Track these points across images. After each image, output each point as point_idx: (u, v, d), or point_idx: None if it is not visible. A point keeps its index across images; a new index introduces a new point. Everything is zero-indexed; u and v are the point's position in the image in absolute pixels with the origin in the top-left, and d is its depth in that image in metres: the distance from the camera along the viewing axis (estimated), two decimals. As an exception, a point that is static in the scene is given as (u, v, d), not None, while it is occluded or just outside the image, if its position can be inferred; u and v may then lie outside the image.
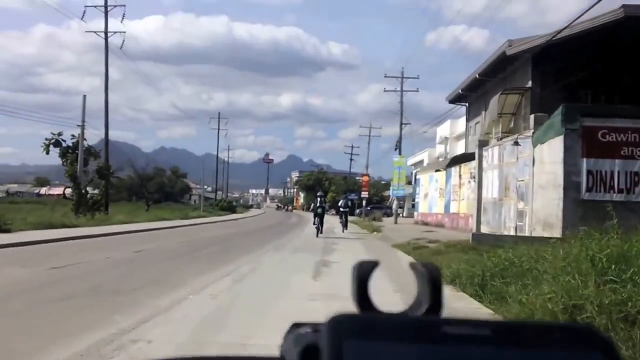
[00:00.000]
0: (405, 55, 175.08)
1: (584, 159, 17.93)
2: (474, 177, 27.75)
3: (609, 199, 18.05)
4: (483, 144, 28.03)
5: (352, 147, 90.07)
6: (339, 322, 0.47)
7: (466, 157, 31.28)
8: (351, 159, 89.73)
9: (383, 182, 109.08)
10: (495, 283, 7.89)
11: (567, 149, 17.96)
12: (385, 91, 42.16)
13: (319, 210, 26.01)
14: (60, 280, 8.79)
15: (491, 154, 26.35)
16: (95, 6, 33.45)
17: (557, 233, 18.06)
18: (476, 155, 27.88)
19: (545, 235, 18.36)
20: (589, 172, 18.14)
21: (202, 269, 10.68)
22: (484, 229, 25.73)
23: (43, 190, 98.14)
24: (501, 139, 27.23)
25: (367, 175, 64.63)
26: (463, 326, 0.49)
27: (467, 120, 42.14)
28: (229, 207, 71.11)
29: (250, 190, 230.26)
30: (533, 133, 20.63)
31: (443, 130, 59.38)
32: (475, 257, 10.72)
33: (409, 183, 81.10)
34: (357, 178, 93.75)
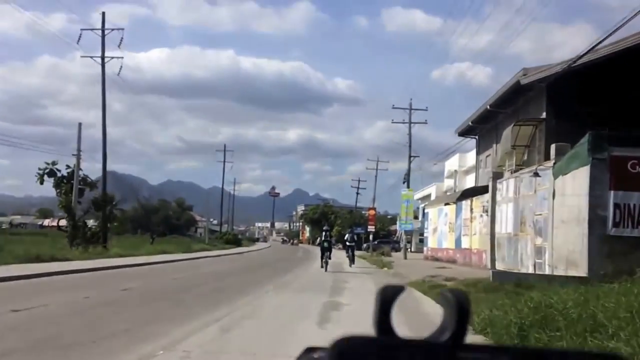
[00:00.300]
0: (409, 92, 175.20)
1: (612, 192, 16.47)
2: (487, 211, 26.28)
3: (637, 235, 16.62)
4: (497, 176, 26.63)
5: (359, 180, 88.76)
6: (344, 345, 0.44)
7: (478, 191, 29.86)
8: (357, 193, 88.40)
9: (389, 217, 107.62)
10: (541, 336, 6.39)
11: (594, 180, 16.50)
12: (393, 122, 40.97)
13: (325, 244, 26.21)
14: (9, 329, 7.35)
15: (505, 187, 24.92)
16: (92, 29, 32.43)
17: (582, 272, 16.52)
18: (489, 188, 26.45)
19: (571, 274, 16.84)
20: (616, 206, 16.65)
21: (188, 314, 9.26)
22: (499, 266, 24.17)
23: (46, 222, 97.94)
24: (515, 171, 25.86)
25: (374, 209, 63.08)
26: (480, 352, 0.45)
27: (478, 153, 40.83)
28: (234, 241, 69.59)
29: (256, 224, 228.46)
30: (554, 164, 19.22)
31: (451, 164, 58.14)
32: (504, 301, 9.21)
33: (416, 217, 79.61)
34: (363, 212, 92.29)
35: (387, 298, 0.59)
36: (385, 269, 27.65)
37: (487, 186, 28.11)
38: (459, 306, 0.54)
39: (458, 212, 31.36)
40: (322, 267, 25.02)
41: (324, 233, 27.24)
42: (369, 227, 61.84)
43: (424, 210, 41.23)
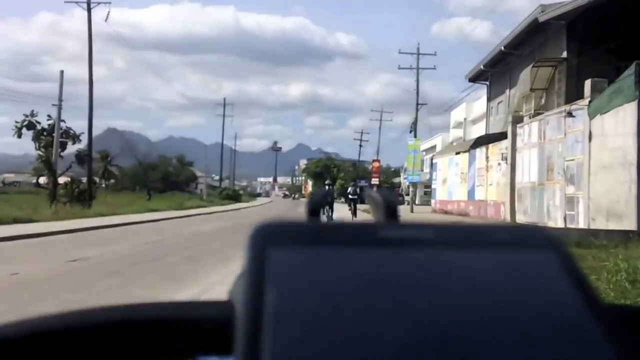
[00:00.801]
0: (411, 45, 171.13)
1: (665, 130, 13.89)
2: (506, 159, 23.65)
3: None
4: (517, 120, 23.92)
5: (362, 132, 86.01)
6: (262, 229, 0.42)
7: (494, 138, 27.16)
8: (360, 145, 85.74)
9: (392, 169, 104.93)
10: None
11: (645, 117, 13.88)
12: (400, 68, 38.12)
13: (329, 198, 24.41)
14: None
15: (527, 131, 22.23)
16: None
17: (628, 224, 13.98)
18: (509, 133, 23.78)
19: (613, 227, 14.29)
20: (670, 147, 14.08)
21: (140, 296, 6.74)
22: (520, 219, 21.68)
23: (42, 180, 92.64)
24: (534, 115, 23.17)
25: (378, 160, 60.49)
26: (405, 229, 0.43)
27: (489, 99, 38.04)
28: (233, 196, 67.22)
29: (258, 179, 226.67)
30: (589, 102, 16.48)
31: (458, 114, 55.27)
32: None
33: (421, 170, 77.14)
34: (366, 165, 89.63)
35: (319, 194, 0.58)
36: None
37: (503, 133, 25.48)
38: (387, 204, 0.49)
39: (471, 161, 28.74)
40: (323, 214, 23.09)
41: (326, 187, 26.65)
42: (372, 179, 59.32)
43: (431, 160, 38.67)
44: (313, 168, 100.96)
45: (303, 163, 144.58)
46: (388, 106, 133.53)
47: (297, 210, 49.60)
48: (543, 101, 25.23)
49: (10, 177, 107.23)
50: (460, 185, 30.42)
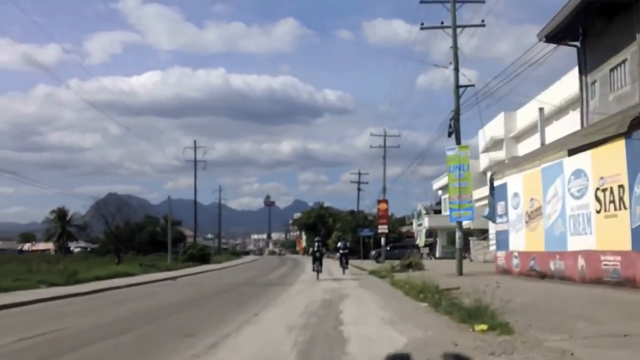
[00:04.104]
0: (396, 97, 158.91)
1: None
2: None
3: None
4: None
5: (359, 173, 68.94)
6: None
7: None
8: (359, 189, 68.43)
9: (397, 217, 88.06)
10: None
11: None
12: (422, 28, 21.34)
13: (317, 254, 25.07)
14: None
15: None
16: None
17: None
18: None
19: None
20: None
21: None
22: None
23: (26, 247, 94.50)
24: None
25: (385, 201, 43.15)
26: None
27: (582, 72, 21.27)
28: (199, 256, 49.52)
29: (252, 236, 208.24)
30: None
31: (493, 130, 38.38)
32: None
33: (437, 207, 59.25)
34: (366, 213, 72.15)
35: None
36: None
37: None
38: None
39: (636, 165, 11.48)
40: (316, 274, 23.84)
41: (316, 244, 26.00)
42: (379, 227, 41.84)
43: (491, 182, 21.18)
44: (305, 219, 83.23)
45: (297, 216, 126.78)
46: (379, 158, 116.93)
47: (278, 270, 32.76)
48: None
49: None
50: (598, 219, 13.07)
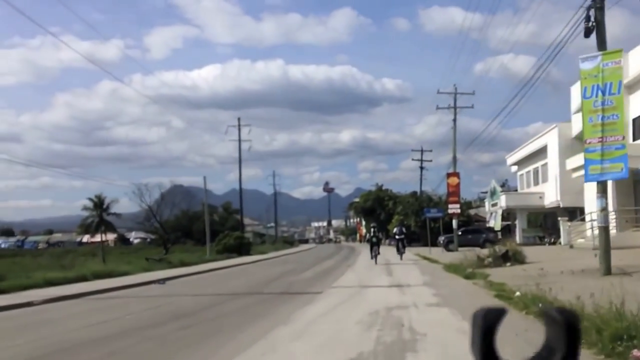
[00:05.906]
0: (455, 82, 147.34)
1: None
2: None
3: None
4: None
5: (422, 151, 59.85)
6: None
7: None
8: (421, 167, 59.53)
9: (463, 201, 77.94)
10: None
11: None
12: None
13: (374, 239, 25.90)
14: None
15: None
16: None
17: None
18: None
19: None
20: None
21: None
22: None
23: (85, 238, 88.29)
24: None
25: (457, 174, 33.94)
26: None
27: None
28: (236, 246, 41.77)
29: (312, 224, 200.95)
30: None
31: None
32: None
33: (501, 186, 49.66)
34: (429, 193, 62.68)
35: (488, 324, 0.54)
36: None
37: None
38: (569, 328, 0.46)
39: None
40: (371, 258, 24.68)
41: (372, 229, 27.29)
42: (449, 206, 32.82)
43: None
44: (362, 203, 74.47)
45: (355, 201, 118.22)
46: (437, 145, 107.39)
47: (327, 262, 28.49)
48: None
49: (57, 236, 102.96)
50: None
